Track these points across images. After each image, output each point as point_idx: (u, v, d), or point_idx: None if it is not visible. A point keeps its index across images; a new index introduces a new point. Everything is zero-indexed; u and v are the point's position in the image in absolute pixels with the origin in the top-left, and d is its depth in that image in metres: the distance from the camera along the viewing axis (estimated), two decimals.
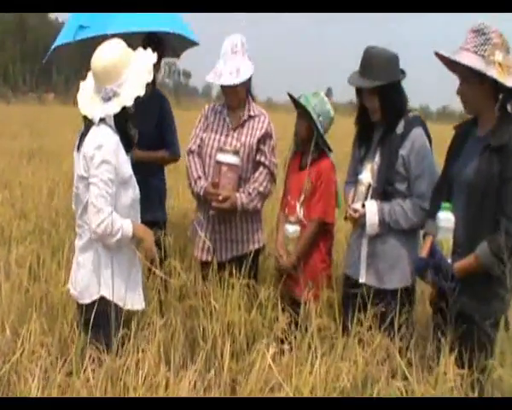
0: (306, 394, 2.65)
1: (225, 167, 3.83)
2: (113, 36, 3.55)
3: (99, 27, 4.11)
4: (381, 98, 3.43)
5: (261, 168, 3.99)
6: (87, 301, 3.08)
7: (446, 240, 3.04)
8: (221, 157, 3.84)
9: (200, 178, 4.00)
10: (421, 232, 3.48)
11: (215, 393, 2.81)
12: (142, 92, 3.05)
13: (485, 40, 2.90)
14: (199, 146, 4.08)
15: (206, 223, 3.98)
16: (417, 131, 3.42)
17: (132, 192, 3.15)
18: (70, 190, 6.92)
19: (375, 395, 2.72)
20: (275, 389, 2.71)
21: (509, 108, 3.01)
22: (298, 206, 3.89)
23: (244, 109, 4.04)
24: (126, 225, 3.03)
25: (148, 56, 3.15)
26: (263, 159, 3.99)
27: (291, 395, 2.61)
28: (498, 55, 2.87)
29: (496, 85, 2.91)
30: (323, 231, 3.91)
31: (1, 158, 10.20)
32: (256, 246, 4.09)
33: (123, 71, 3.03)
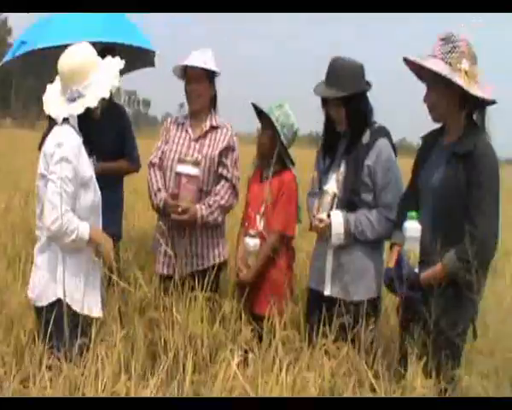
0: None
1: (185, 179, 3.77)
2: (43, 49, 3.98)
3: (33, 42, 4.21)
4: (347, 108, 3.42)
5: (223, 181, 3.94)
6: (44, 303, 3.02)
7: (413, 249, 3.03)
8: (180, 168, 3.79)
9: (159, 190, 3.93)
10: (387, 243, 3.47)
11: None
12: (106, 95, 3.05)
13: (453, 48, 2.92)
14: (160, 159, 4.02)
15: (167, 237, 3.85)
16: (383, 142, 3.42)
17: (93, 195, 3.10)
18: (26, 206, 6.86)
19: None
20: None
21: (475, 117, 3.02)
22: (258, 218, 3.83)
23: (207, 120, 4.00)
24: (83, 226, 2.97)
25: (116, 62, 3.16)
26: (225, 172, 3.94)
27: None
28: (465, 64, 2.90)
29: (462, 94, 2.92)
30: (284, 245, 3.86)
31: None
32: (217, 260, 4.01)
33: (89, 73, 3.02)
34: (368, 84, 3.50)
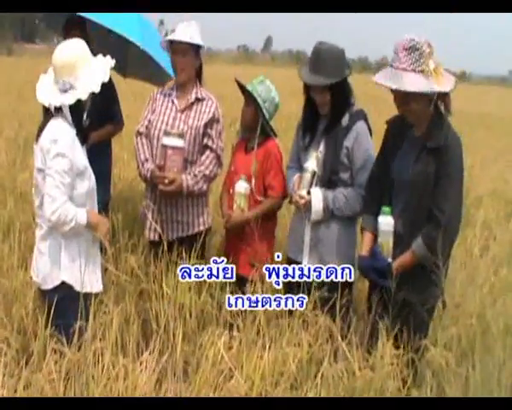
0: (257, 380, 2.85)
1: (170, 151, 3.94)
2: None
3: None
4: (333, 94, 3.60)
5: (208, 152, 4.12)
6: (49, 286, 3.26)
7: (386, 242, 3.28)
8: (166, 140, 3.96)
9: (147, 160, 4.10)
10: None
11: (170, 376, 2.99)
12: (96, 89, 3.21)
13: (420, 55, 3.06)
14: (146, 128, 4.17)
15: (153, 204, 4.09)
16: (361, 125, 3.63)
17: (88, 183, 3.30)
18: (15, 161, 6.90)
19: (319, 377, 2.95)
20: (227, 376, 2.90)
21: (441, 108, 3.21)
22: (245, 180, 4.03)
23: (192, 92, 4.15)
24: (80, 213, 3.19)
25: (107, 61, 3.33)
26: (210, 143, 4.11)
27: (242, 383, 2.82)
28: (431, 65, 3.06)
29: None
30: (271, 211, 4.11)
31: None
32: (202, 228, 4.23)
33: (80, 67, 3.18)
34: (348, 68, 3.65)
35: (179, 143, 3.96)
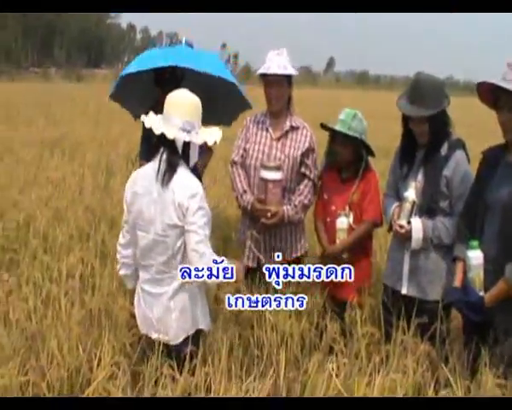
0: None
1: (271, 184, 4.02)
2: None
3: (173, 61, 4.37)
4: (432, 124, 3.64)
5: (306, 181, 4.22)
6: (180, 339, 3.33)
7: (478, 275, 3.29)
8: (265, 174, 4.03)
9: (245, 191, 4.19)
10: None
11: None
12: (210, 142, 3.29)
13: None
14: (242, 157, 4.28)
15: (254, 233, 4.13)
16: (460, 154, 3.66)
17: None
18: (99, 186, 7.14)
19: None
20: None
21: None
22: (344, 215, 4.11)
23: (286, 119, 4.25)
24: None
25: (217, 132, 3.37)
26: (308, 172, 4.21)
27: None
28: None
29: None
30: (370, 236, 4.20)
31: (23, 149, 10.33)
32: (298, 254, 4.33)
33: (199, 118, 3.28)
34: (447, 98, 3.67)
35: (278, 175, 4.03)
